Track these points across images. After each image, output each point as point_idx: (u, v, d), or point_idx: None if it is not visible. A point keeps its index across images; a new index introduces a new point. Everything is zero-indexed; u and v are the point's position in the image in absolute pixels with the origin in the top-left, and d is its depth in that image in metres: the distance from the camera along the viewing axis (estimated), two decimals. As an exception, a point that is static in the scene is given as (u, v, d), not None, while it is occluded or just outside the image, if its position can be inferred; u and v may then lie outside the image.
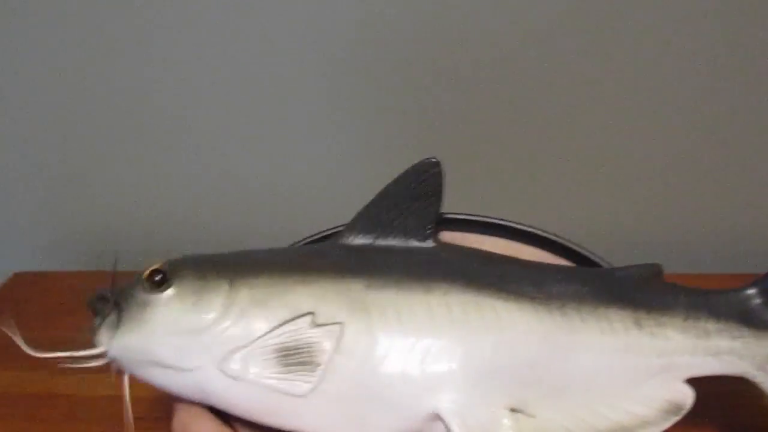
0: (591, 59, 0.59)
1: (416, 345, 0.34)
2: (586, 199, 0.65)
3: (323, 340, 0.34)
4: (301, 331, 0.34)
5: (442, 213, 0.43)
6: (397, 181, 0.38)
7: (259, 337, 0.34)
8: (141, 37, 0.62)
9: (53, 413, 0.50)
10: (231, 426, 0.37)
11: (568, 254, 0.41)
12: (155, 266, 0.36)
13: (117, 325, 0.35)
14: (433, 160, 0.38)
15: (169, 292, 0.35)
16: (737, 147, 0.62)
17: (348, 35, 0.60)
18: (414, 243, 0.38)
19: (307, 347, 0.34)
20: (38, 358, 0.35)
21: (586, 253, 0.40)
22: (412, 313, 0.35)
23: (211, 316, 0.35)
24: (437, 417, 0.34)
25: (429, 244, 0.38)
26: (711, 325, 0.36)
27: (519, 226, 0.42)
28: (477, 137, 0.63)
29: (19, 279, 0.72)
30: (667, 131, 0.62)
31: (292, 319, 0.34)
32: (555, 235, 0.41)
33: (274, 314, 0.34)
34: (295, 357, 0.34)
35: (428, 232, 0.38)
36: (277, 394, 0.34)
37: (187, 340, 0.34)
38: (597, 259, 0.40)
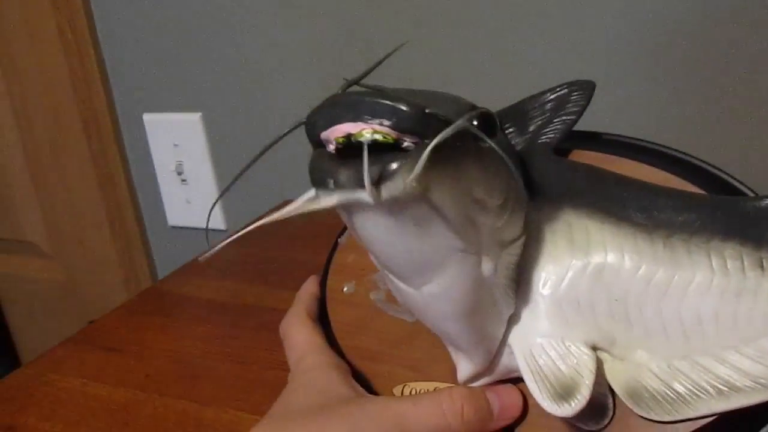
0: None
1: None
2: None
3: None
4: None
5: (600, 133, 0.38)
6: (552, 90, 0.35)
7: None
8: None
9: (251, 323, 0.53)
10: (332, 338, 0.37)
11: (724, 189, 0.34)
12: None
13: None
14: (592, 82, 0.34)
15: None
16: None
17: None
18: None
19: None
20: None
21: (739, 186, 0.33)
22: None
23: None
24: (508, 345, 0.30)
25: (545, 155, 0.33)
26: None
27: (670, 152, 0.36)
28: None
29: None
30: None
31: None
32: (708, 163, 0.35)
33: None
34: None
35: (550, 142, 0.33)
36: None
37: None
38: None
